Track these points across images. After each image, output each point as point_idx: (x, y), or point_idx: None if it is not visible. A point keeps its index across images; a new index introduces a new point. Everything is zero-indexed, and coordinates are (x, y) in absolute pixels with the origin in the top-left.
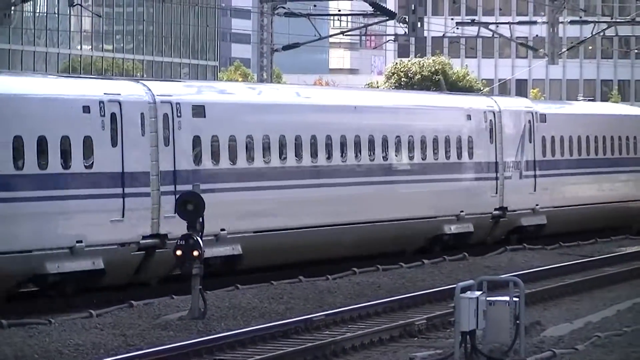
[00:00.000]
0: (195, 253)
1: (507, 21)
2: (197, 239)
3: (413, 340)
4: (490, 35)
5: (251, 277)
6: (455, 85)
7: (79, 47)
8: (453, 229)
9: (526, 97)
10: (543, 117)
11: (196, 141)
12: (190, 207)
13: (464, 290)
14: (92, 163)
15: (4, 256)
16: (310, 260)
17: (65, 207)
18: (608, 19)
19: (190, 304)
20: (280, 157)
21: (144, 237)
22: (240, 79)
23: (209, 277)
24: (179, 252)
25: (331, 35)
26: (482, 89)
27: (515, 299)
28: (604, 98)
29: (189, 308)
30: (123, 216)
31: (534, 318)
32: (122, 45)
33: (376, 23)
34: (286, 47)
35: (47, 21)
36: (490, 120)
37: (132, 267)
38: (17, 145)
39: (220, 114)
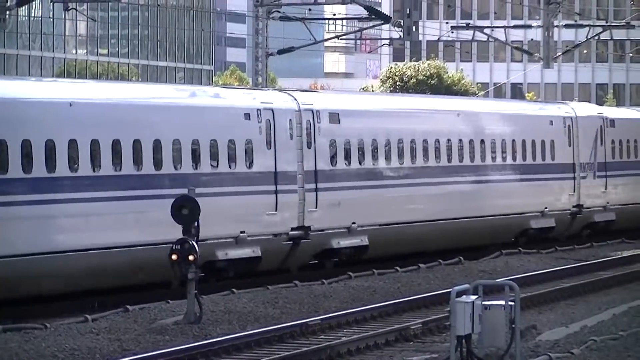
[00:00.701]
0: (191, 257)
1: (502, 25)
2: (192, 243)
3: (409, 344)
4: (485, 39)
5: (246, 282)
6: (450, 89)
7: (74, 52)
8: (538, 224)
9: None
10: (612, 122)
11: (332, 144)
12: (185, 211)
13: (459, 294)
14: (252, 163)
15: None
16: (423, 251)
17: (232, 201)
18: (603, 22)
19: (186, 309)
20: (399, 159)
21: (292, 229)
22: (236, 83)
23: (340, 265)
24: (174, 257)
25: (326, 39)
26: (477, 93)
27: (510, 303)
28: (599, 102)
29: (185, 312)
30: (276, 210)
31: (530, 322)
32: (117, 49)
33: (371, 27)
34: (281, 51)
35: (42, 25)
36: (569, 125)
37: (282, 255)
38: (195, 147)
39: (352, 121)
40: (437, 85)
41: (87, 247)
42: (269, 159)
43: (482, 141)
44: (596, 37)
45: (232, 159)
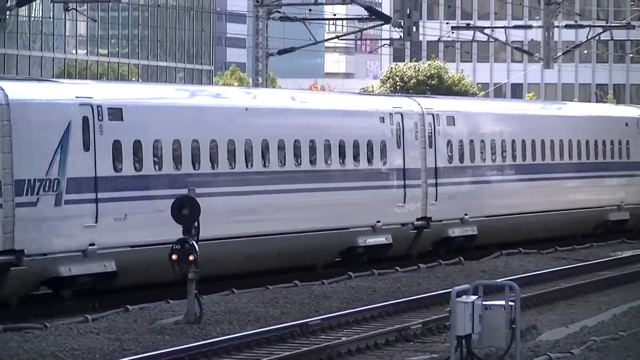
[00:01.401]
0: (191, 257)
1: (502, 25)
2: (192, 243)
3: (409, 344)
4: (486, 40)
5: (247, 282)
6: (451, 90)
7: (74, 52)
8: (615, 216)
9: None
10: None
11: (448, 144)
12: (185, 211)
13: (459, 294)
14: (386, 161)
15: (331, 232)
16: (521, 240)
17: (370, 194)
18: (603, 23)
19: (186, 309)
20: (502, 157)
21: (417, 219)
22: (235, 84)
23: (451, 252)
24: (174, 257)
25: (326, 40)
26: (477, 93)
27: (511, 303)
28: (600, 102)
29: (185, 312)
30: (404, 202)
31: (530, 322)
32: (117, 49)
33: (371, 27)
34: (281, 52)
35: (43, 25)
36: None
37: (408, 243)
38: (341, 146)
39: (465, 123)
40: (438, 86)
41: (275, 232)
42: (399, 157)
43: (570, 141)
44: (596, 38)
45: (370, 157)
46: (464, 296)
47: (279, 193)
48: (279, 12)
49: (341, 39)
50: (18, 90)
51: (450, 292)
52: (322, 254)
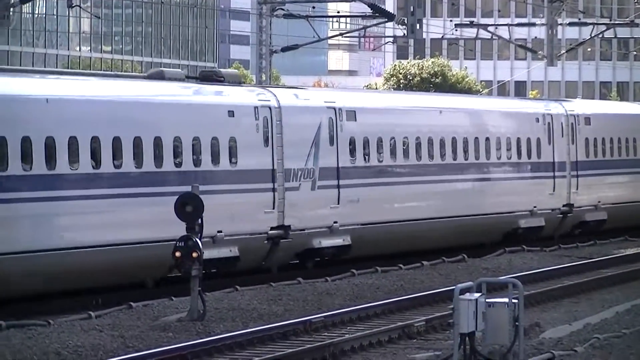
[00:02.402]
0: (195, 254)
1: (506, 23)
2: (196, 240)
3: (412, 341)
4: (489, 37)
5: (250, 279)
6: (454, 88)
7: (77, 49)
8: None
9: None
10: None
11: (586, 141)
12: (189, 208)
13: (463, 291)
14: (539, 155)
15: (500, 215)
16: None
17: (527, 184)
18: (607, 20)
19: (190, 306)
20: (626, 152)
21: (562, 206)
22: None
23: (585, 234)
24: (177, 254)
25: (330, 37)
26: (480, 90)
27: (514, 300)
28: (603, 100)
29: (188, 309)
30: (553, 191)
31: (533, 320)
32: (120, 46)
33: (375, 25)
34: (285, 49)
35: (46, 22)
36: None
37: (555, 225)
38: (507, 142)
39: (599, 122)
40: (441, 83)
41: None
42: (550, 152)
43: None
44: (600, 35)
45: (529, 151)
46: (468, 294)
47: (463, 182)
48: (283, 9)
49: (345, 37)
50: (285, 96)
51: (453, 289)
52: (491, 233)
